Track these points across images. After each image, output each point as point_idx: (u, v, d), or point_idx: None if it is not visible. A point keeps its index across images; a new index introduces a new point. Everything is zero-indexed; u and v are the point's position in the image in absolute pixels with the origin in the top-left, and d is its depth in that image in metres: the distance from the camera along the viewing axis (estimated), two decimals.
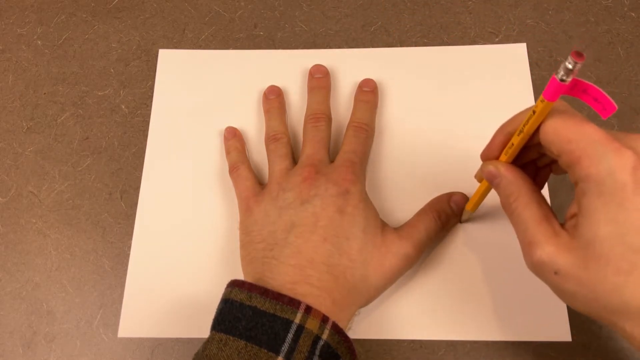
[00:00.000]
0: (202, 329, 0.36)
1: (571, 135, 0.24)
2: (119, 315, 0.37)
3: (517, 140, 0.27)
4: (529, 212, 0.26)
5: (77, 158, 0.42)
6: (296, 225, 0.33)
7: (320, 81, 0.41)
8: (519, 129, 0.27)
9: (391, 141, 0.41)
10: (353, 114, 0.40)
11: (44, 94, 0.44)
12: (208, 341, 0.29)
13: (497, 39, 0.44)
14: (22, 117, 0.43)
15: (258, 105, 0.42)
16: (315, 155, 0.36)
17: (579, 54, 0.22)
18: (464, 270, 0.36)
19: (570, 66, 0.22)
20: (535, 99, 0.41)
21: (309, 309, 0.29)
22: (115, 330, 0.36)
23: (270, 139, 0.39)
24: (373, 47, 0.44)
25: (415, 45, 0.44)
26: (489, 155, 0.29)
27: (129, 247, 0.39)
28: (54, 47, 0.46)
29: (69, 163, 0.41)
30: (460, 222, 0.38)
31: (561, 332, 0.35)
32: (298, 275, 0.31)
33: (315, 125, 0.38)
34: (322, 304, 0.30)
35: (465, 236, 0.37)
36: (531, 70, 0.42)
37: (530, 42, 0.43)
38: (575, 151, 0.23)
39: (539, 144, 0.26)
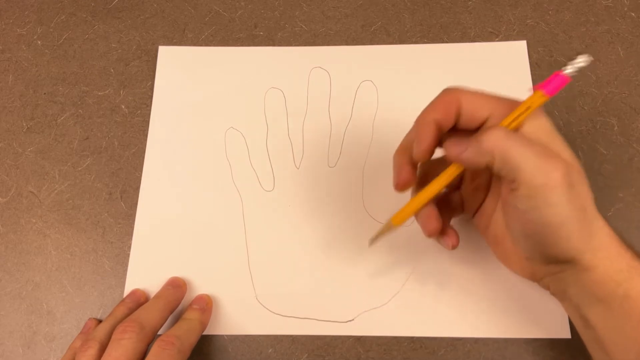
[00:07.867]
0: None
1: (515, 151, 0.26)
2: None
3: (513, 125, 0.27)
4: None
5: (77, 158, 0.42)
6: None
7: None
8: (510, 119, 0.27)
9: (390, 139, 0.41)
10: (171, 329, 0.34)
11: (44, 94, 0.44)
12: None
13: (497, 39, 0.44)
14: (22, 117, 0.43)
15: (257, 102, 0.42)
16: None
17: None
18: (464, 268, 0.37)
19: (582, 65, 0.26)
20: None
21: None
22: None
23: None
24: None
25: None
26: (424, 151, 0.29)
27: (129, 247, 0.39)
28: (54, 47, 0.46)
29: (69, 163, 0.41)
30: (370, 244, 0.34)
31: (561, 329, 0.35)
32: None
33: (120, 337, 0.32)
34: None
35: (466, 234, 0.37)
36: (531, 70, 0.42)
37: (531, 42, 0.43)
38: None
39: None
